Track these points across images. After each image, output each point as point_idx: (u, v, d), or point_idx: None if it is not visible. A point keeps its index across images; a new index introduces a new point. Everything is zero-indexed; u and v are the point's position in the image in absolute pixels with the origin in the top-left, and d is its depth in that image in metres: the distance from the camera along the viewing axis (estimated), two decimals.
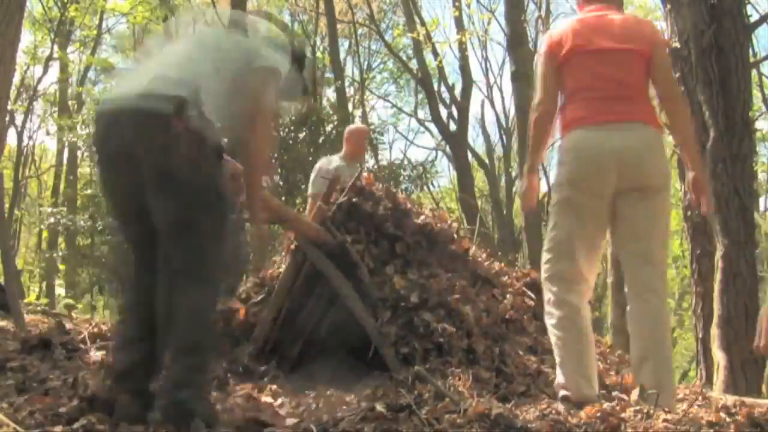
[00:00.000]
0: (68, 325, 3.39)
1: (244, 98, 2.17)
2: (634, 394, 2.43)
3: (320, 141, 10.66)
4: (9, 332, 3.04)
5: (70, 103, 19.40)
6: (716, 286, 5.50)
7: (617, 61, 2.56)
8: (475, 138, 25.38)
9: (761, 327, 3.86)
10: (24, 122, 20.01)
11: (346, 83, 19.34)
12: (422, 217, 3.60)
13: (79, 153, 17.42)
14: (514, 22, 10.93)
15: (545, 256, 2.62)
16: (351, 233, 3.33)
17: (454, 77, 19.67)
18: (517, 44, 10.68)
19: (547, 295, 2.59)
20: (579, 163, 2.53)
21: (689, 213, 6.35)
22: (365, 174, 3.67)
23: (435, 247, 3.57)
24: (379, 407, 2.16)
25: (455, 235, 3.75)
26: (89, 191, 10.95)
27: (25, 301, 7.23)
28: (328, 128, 11.03)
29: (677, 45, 6.01)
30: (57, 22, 16.86)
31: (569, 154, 2.56)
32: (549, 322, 2.57)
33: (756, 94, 9.06)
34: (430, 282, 3.23)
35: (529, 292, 3.63)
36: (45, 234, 18.28)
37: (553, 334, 2.55)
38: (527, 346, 3.20)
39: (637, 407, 2.25)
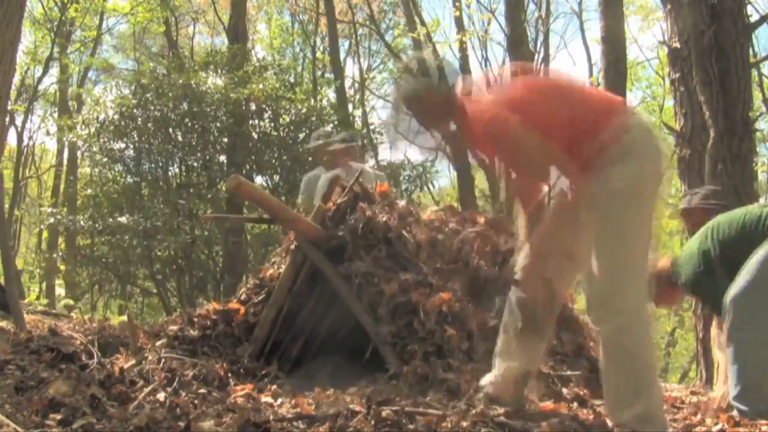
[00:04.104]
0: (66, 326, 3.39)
1: None
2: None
3: None
4: (9, 332, 3.04)
5: (70, 103, 19.41)
6: None
7: None
8: None
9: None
10: (24, 122, 20.04)
11: (346, 83, 19.35)
12: (424, 217, 3.60)
13: (79, 153, 17.42)
14: (514, 22, 10.93)
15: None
16: (351, 233, 3.33)
17: None
18: (517, 44, 10.68)
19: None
20: None
21: None
22: (380, 183, 3.71)
23: (437, 247, 3.56)
24: (379, 407, 2.16)
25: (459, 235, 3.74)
26: (89, 191, 10.93)
27: (25, 301, 7.24)
28: (328, 128, 11.03)
29: (677, 45, 6.01)
30: (57, 23, 16.86)
31: None
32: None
33: (756, 94, 9.07)
34: (431, 282, 3.23)
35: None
36: (45, 234, 18.27)
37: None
38: None
39: None
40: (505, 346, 2.49)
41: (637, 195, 2.20)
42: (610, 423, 2.20)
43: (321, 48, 20.67)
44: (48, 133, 24.54)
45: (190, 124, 9.97)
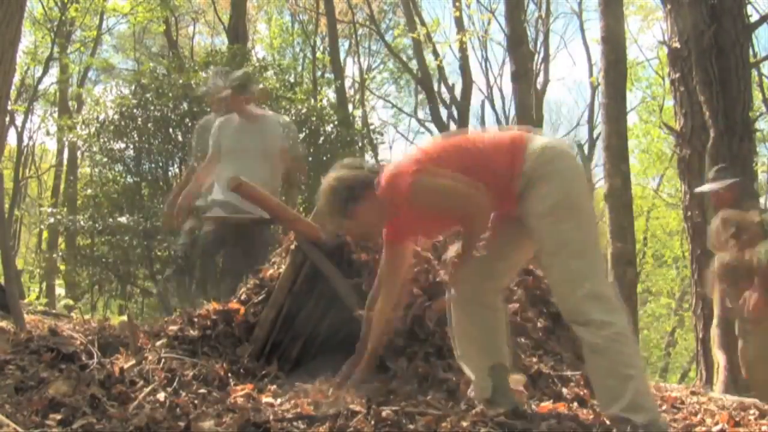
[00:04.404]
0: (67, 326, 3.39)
1: None
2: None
3: (320, 141, 10.66)
4: (9, 332, 3.04)
5: (70, 103, 19.42)
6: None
7: None
8: None
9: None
10: (24, 122, 20.06)
11: (346, 83, 19.36)
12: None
13: (79, 153, 17.43)
14: (514, 22, 10.94)
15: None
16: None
17: (454, 77, 19.70)
18: (517, 44, 10.68)
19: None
20: None
21: (689, 213, 6.35)
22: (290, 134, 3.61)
23: (438, 250, 3.56)
24: (379, 407, 2.16)
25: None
26: (89, 191, 10.92)
27: (25, 301, 7.23)
28: (328, 128, 11.02)
29: (677, 45, 6.02)
30: (57, 23, 16.87)
31: None
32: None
33: (756, 94, 9.07)
34: (431, 281, 3.23)
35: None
36: (45, 234, 18.29)
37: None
38: (529, 348, 3.19)
39: None
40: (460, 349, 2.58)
41: (568, 206, 2.29)
42: (608, 421, 2.21)
43: (321, 48, 20.69)
44: (48, 133, 24.59)
45: (190, 124, 9.96)
